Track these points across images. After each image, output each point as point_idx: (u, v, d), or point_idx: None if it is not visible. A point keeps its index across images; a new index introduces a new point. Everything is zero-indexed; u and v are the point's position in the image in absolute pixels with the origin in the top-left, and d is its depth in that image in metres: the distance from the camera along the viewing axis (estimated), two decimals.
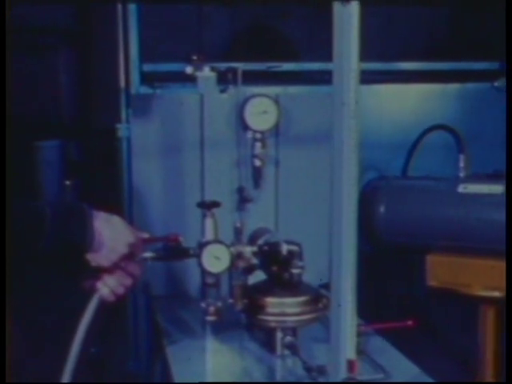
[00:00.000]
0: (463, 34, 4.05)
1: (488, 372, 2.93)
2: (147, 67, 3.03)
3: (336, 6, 1.68)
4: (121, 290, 1.94)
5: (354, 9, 1.66)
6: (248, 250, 2.25)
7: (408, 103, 3.46)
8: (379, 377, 2.12)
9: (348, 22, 1.67)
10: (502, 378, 3.04)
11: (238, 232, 2.27)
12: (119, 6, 2.88)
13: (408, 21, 4.22)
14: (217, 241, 2.21)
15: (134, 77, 2.95)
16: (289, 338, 2.23)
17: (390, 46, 4.04)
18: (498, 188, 2.72)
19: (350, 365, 1.79)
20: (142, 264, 2.03)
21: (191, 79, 2.31)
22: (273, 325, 2.24)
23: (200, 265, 2.18)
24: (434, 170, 3.02)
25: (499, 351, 2.98)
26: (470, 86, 3.47)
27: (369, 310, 2.56)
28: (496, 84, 3.43)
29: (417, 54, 3.88)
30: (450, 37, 4.16)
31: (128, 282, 1.94)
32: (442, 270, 2.79)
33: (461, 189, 2.77)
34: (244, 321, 2.40)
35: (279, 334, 2.24)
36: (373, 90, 3.39)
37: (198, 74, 2.30)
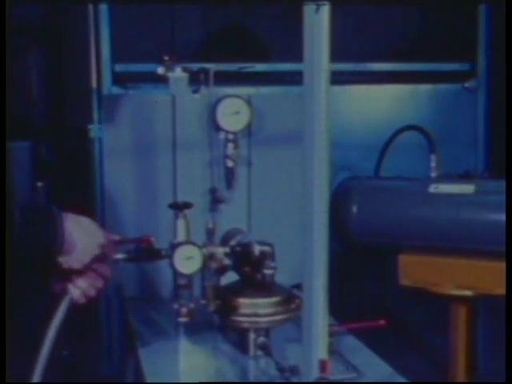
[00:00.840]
0: (435, 36, 4.08)
1: (460, 370, 2.96)
2: (119, 67, 3.01)
3: (307, 8, 1.68)
4: (92, 292, 1.93)
5: (325, 11, 1.66)
6: (220, 251, 2.24)
7: (380, 104, 3.48)
8: (352, 376, 2.13)
9: (319, 24, 1.67)
10: (474, 376, 3.07)
11: (210, 233, 2.26)
12: (90, 6, 2.86)
13: (380, 22, 4.24)
14: (189, 242, 2.20)
15: (106, 77, 2.94)
16: (262, 339, 2.23)
17: (363, 47, 4.06)
18: (469, 188, 2.75)
19: (322, 365, 1.79)
20: (113, 266, 2.01)
21: (163, 80, 2.30)
22: (245, 325, 2.23)
23: (172, 266, 2.17)
24: (405, 171, 3.04)
25: (471, 349, 3.01)
26: (442, 86, 3.50)
27: (342, 309, 2.58)
28: (467, 85, 3.46)
29: (389, 54, 3.90)
30: (422, 38, 4.19)
31: (99, 283, 1.93)
32: (414, 270, 2.81)
33: (432, 189, 2.79)
34: (217, 322, 2.39)
35: (252, 335, 2.24)
36: (346, 91, 3.40)
37: (170, 74, 2.30)
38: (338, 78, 3.35)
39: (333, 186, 2.99)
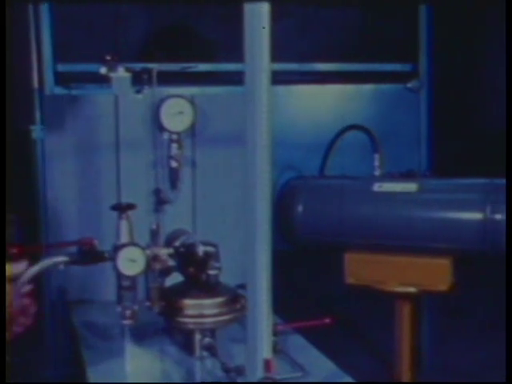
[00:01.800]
0: (378, 36, 4.13)
1: (405, 366, 3.00)
2: (62, 67, 2.97)
3: (247, 8, 1.68)
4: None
5: (265, 9, 1.66)
6: (164, 252, 2.23)
7: (325, 103, 3.51)
8: (297, 375, 2.14)
9: (259, 23, 1.67)
10: (419, 372, 3.12)
11: (154, 234, 2.25)
12: (30, 6, 2.81)
13: (324, 22, 4.28)
14: (132, 243, 2.18)
15: (48, 77, 2.89)
16: (207, 340, 2.22)
17: (307, 47, 4.09)
18: (412, 186, 2.79)
19: (267, 364, 1.79)
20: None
21: (106, 80, 2.27)
22: (191, 327, 2.23)
23: (115, 268, 2.14)
24: (350, 170, 3.07)
25: (415, 345, 3.06)
26: (384, 86, 3.54)
27: (289, 309, 2.59)
28: (409, 85, 3.51)
29: (333, 54, 3.93)
30: (365, 38, 4.24)
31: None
32: (359, 268, 2.84)
33: (376, 187, 2.82)
34: (162, 324, 2.38)
35: (198, 336, 2.23)
36: (290, 91, 3.42)
37: (113, 74, 2.27)
38: (282, 78, 3.38)
39: (278, 185, 3.00)
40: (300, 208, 2.86)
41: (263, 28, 1.67)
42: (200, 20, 4.41)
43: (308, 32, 4.21)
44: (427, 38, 3.47)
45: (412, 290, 2.80)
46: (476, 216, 2.64)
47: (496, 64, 7.07)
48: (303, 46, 4.11)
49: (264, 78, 1.71)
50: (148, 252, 2.18)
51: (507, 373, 2.21)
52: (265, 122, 1.71)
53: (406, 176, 2.88)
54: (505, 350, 3.69)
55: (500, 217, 2.62)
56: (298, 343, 2.40)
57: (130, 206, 2.24)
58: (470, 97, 6.80)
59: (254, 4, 1.66)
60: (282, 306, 2.54)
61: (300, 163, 3.28)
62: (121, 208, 2.24)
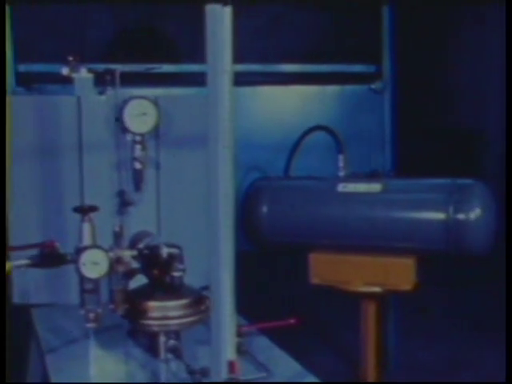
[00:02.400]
0: (342, 38, 4.15)
1: (370, 365, 3.03)
2: (23, 68, 2.94)
3: (209, 9, 1.68)
4: None
5: (227, 12, 1.66)
6: (127, 254, 2.21)
7: (289, 104, 3.52)
8: (261, 376, 2.13)
9: (220, 23, 1.67)
10: (384, 370, 3.15)
11: (117, 236, 2.23)
12: None
13: (289, 23, 4.29)
14: (94, 246, 2.16)
15: (9, 77, 2.85)
16: (172, 342, 2.21)
17: (272, 48, 4.09)
18: (376, 187, 2.81)
19: (231, 365, 1.79)
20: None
21: (69, 81, 2.25)
22: (155, 329, 2.21)
23: (78, 271, 2.12)
24: (316, 170, 3.08)
25: (380, 344, 3.08)
26: (348, 88, 3.57)
27: (255, 310, 2.59)
28: (373, 86, 3.54)
29: (297, 56, 3.95)
30: (330, 40, 4.26)
31: None
32: (324, 268, 2.86)
33: (340, 188, 2.84)
34: (126, 326, 2.36)
35: (162, 338, 2.21)
36: (255, 92, 3.43)
37: (75, 75, 2.25)
38: (246, 79, 3.38)
39: (243, 186, 3.00)
40: (265, 209, 2.87)
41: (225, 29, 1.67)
42: (165, 21, 4.39)
43: (274, 33, 4.22)
44: (390, 40, 3.51)
45: (376, 289, 2.83)
46: (439, 216, 2.67)
47: (460, 63, 7.16)
48: (269, 47, 4.12)
49: (226, 78, 1.71)
50: (111, 254, 2.16)
51: (507, 373, 2.23)
52: (227, 123, 1.71)
53: (370, 176, 2.91)
54: (472, 348, 3.75)
55: (462, 217, 2.66)
56: (262, 344, 2.39)
57: (93, 208, 2.22)
58: (433, 97, 6.87)
59: (215, 5, 1.66)
60: (248, 307, 2.54)
61: (265, 164, 3.29)
62: (83, 210, 2.22)
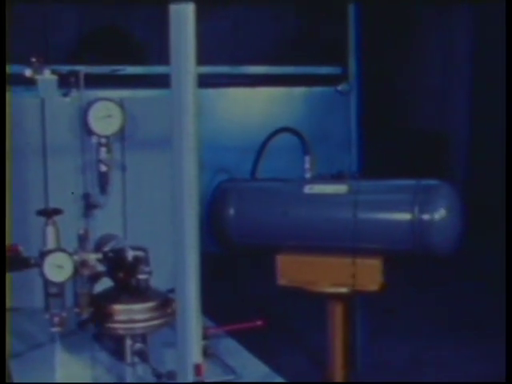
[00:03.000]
0: (309, 40, 4.17)
1: (337, 365, 3.04)
2: None
3: (172, 9, 1.68)
4: None
5: (190, 10, 1.66)
6: (92, 258, 2.19)
7: (256, 106, 3.52)
8: (228, 378, 2.14)
9: (184, 25, 1.66)
10: (351, 370, 3.16)
11: (82, 239, 2.21)
12: None
13: (255, 25, 4.30)
14: (59, 249, 2.14)
15: None
16: (138, 345, 2.20)
17: (239, 50, 4.10)
18: (342, 188, 2.82)
19: (197, 368, 1.79)
20: None
21: (33, 82, 2.23)
22: (121, 332, 2.19)
23: (42, 274, 2.10)
24: (284, 172, 3.08)
25: (348, 344, 3.09)
26: (315, 89, 3.58)
27: (223, 312, 2.59)
28: (339, 88, 3.56)
29: (264, 58, 3.96)
30: (296, 42, 4.27)
31: None
32: (291, 269, 2.86)
33: (307, 189, 2.85)
34: (92, 330, 2.34)
35: (128, 342, 2.20)
36: (222, 94, 3.42)
37: (38, 77, 2.23)
38: (213, 81, 3.37)
39: (210, 188, 3.00)
40: (231, 211, 2.87)
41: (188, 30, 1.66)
42: (134, 23, 4.37)
43: (240, 36, 4.22)
44: (356, 42, 3.52)
45: (343, 290, 2.84)
46: (404, 216, 2.69)
47: (426, 66, 7.23)
48: (236, 49, 4.12)
49: (189, 80, 1.71)
50: (76, 258, 2.15)
51: (507, 373, 2.24)
52: (191, 124, 1.71)
53: (337, 178, 2.92)
54: (437, 347, 3.79)
55: (427, 217, 2.68)
56: (230, 346, 2.39)
57: (57, 211, 2.20)
58: (399, 99, 6.94)
59: (179, 5, 1.65)
60: (216, 309, 2.54)
61: (233, 166, 3.29)
62: (47, 213, 2.20)
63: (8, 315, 2.63)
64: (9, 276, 2.46)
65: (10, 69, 3.03)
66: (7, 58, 2.57)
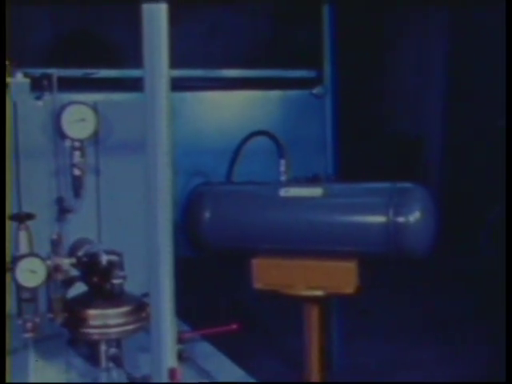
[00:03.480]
0: (284, 43, 4.18)
1: (314, 367, 3.04)
2: None
3: (145, 6, 1.67)
4: None
5: (163, 10, 1.65)
6: (66, 262, 2.18)
7: (232, 110, 3.52)
8: (204, 382, 2.13)
9: (157, 24, 1.66)
10: (328, 372, 3.17)
11: (55, 244, 2.19)
12: None
13: (231, 29, 4.30)
14: (31, 254, 2.12)
15: None
16: (113, 350, 2.19)
17: (214, 53, 4.10)
18: (317, 191, 2.83)
19: (172, 372, 1.79)
20: None
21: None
22: (96, 337, 2.18)
23: (14, 280, 2.08)
24: (258, 176, 3.08)
25: (324, 347, 3.10)
26: (291, 93, 3.59)
27: (199, 316, 2.58)
28: (314, 91, 3.56)
29: (240, 61, 3.96)
30: (272, 45, 4.28)
31: None
32: (266, 273, 2.86)
33: (283, 193, 2.85)
34: (66, 335, 2.32)
35: (103, 347, 2.19)
36: (198, 97, 3.41)
37: (11, 80, 2.21)
38: (189, 85, 3.36)
39: (186, 192, 2.99)
40: (207, 214, 2.86)
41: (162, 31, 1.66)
42: (109, 26, 4.34)
43: (216, 39, 4.22)
44: (331, 45, 3.53)
45: (319, 293, 2.84)
46: (379, 219, 2.71)
47: (401, 69, 7.28)
48: (211, 52, 4.11)
49: (163, 83, 1.70)
50: (49, 262, 2.13)
51: (507, 373, 2.24)
52: (164, 128, 1.70)
53: (312, 181, 2.92)
54: (413, 349, 3.81)
55: (402, 220, 2.69)
56: (205, 350, 2.39)
57: (29, 216, 2.18)
58: (374, 102, 6.98)
59: (151, 4, 1.65)
60: (192, 313, 2.53)
61: (209, 169, 3.28)
62: (19, 218, 2.18)
63: None
64: None
65: None
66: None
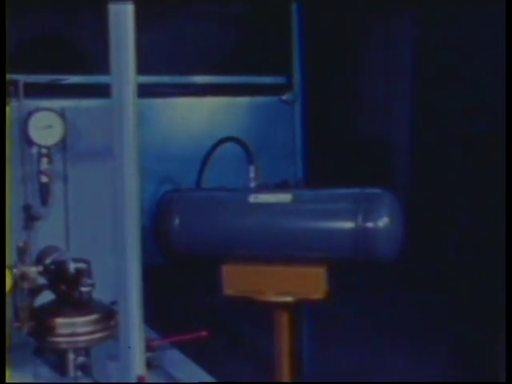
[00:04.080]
0: (252, 49, 4.18)
1: (285, 374, 3.04)
2: None
3: (111, 7, 1.66)
4: None
5: (129, 11, 1.64)
6: (33, 270, 2.16)
7: (201, 116, 3.51)
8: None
9: (124, 26, 1.65)
10: (299, 379, 3.17)
11: (21, 252, 2.17)
12: None
13: (199, 34, 4.29)
14: None
15: None
16: (81, 359, 2.18)
17: (184, 60, 4.08)
18: (286, 197, 2.83)
19: (140, 381, 1.77)
20: None
21: None
22: (64, 346, 2.17)
23: None
24: (228, 182, 3.07)
25: (295, 353, 3.10)
26: (259, 99, 3.59)
27: (170, 323, 2.57)
28: (284, 98, 3.57)
29: (208, 67, 3.95)
30: (240, 51, 4.28)
31: None
32: (237, 279, 2.85)
33: (252, 199, 2.84)
34: (33, 344, 2.30)
35: (71, 355, 2.17)
36: (167, 103, 3.40)
37: None
38: (158, 91, 3.34)
39: (155, 199, 2.98)
40: (176, 221, 2.84)
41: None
42: (77, 31, 4.30)
43: (184, 45, 4.21)
44: (300, 51, 3.54)
45: (289, 299, 2.84)
46: (348, 225, 2.71)
47: (371, 74, 7.33)
48: (180, 58, 4.10)
49: (130, 90, 1.69)
50: (15, 271, 2.11)
51: (507, 373, 2.24)
52: (131, 135, 1.69)
53: (281, 187, 2.93)
54: (384, 353, 3.82)
55: (371, 225, 2.70)
56: (175, 358, 2.38)
57: None
58: (344, 107, 7.01)
59: (118, 5, 1.64)
60: (162, 320, 2.52)
61: (178, 176, 3.26)
62: None
63: None
64: None
65: None
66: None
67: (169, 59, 3.77)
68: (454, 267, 5.75)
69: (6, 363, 2.08)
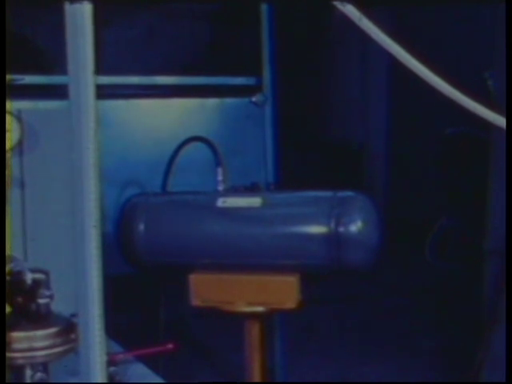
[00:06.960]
0: (223, 50, 4.10)
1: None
2: None
3: (68, 6, 1.56)
4: None
5: (86, 9, 1.54)
6: None
7: (168, 118, 3.42)
8: None
9: (81, 25, 1.55)
10: None
11: None
12: None
13: (168, 34, 4.20)
14: None
15: None
16: (39, 375, 2.07)
17: (150, 60, 3.98)
18: (256, 201, 2.72)
19: None
20: None
21: None
22: (20, 362, 2.06)
23: None
24: (196, 186, 2.97)
25: (266, 364, 3.00)
26: (229, 100, 3.50)
27: (135, 336, 2.46)
28: (254, 99, 3.48)
29: (176, 68, 3.85)
30: (210, 52, 4.19)
31: None
32: (205, 289, 2.73)
33: (220, 203, 2.72)
34: None
35: (28, 371, 2.07)
36: (132, 105, 3.29)
37: None
38: (123, 92, 3.23)
39: (119, 204, 2.86)
40: (141, 227, 2.71)
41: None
42: (35, 28, 4.17)
43: (150, 45, 4.11)
44: (270, 52, 3.46)
45: (259, 309, 2.73)
46: (320, 230, 2.62)
47: (344, 75, 7.29)
48: (146, 59, 3.99)
49: (89, 91, 1.59)
50: None
51: (507, 373, 2.19)
52: (91, 138, 1.59)
53: (251, 190, 2.81)
54: (358, 363, 3.74)
55: (344, 229, 2.61)
56: (139, 372, 2.28)
57: None
58: (316, 109, 6.96)
59: (76, 4, 1.54)
60: (126, 333, 2.41)
61: (143, 180, 3.16)
62: None
63: None
64: None
65: None
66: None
67: (137, 59, 3.67)
68: (433, 272, 5.72)
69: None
